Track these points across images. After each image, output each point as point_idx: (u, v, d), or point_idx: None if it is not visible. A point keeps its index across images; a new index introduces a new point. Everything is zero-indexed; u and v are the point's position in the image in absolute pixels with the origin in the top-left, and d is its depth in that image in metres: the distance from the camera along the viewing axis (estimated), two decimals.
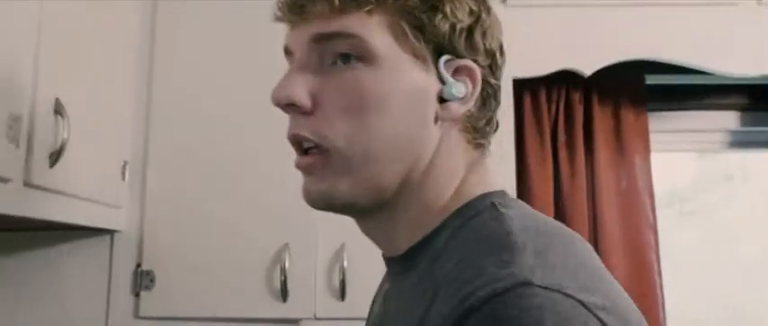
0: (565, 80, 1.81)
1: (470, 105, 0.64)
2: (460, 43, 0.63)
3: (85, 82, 1.30)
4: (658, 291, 1.79)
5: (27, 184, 1.09)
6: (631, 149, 1.83)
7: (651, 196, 1.84)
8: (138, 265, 1.52)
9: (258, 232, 1.50)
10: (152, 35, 1.61)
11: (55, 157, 1.15)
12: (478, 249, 0.56)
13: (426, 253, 0.62)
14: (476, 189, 0.65)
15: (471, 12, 0.64)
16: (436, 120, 0.63)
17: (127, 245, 1.53)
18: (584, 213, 1.80)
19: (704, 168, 2.17)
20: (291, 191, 1.48)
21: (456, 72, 0.63)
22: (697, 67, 1.70)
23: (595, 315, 0.49)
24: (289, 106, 0.62)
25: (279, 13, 0.65)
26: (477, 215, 0.61)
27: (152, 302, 1.50)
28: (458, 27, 0.62)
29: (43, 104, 1.13)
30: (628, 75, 1.84)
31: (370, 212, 0.64)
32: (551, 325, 0.47)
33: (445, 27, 0.62)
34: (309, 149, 0.63)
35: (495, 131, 0.69)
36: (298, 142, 0.64)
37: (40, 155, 1.12)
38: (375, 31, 0.60)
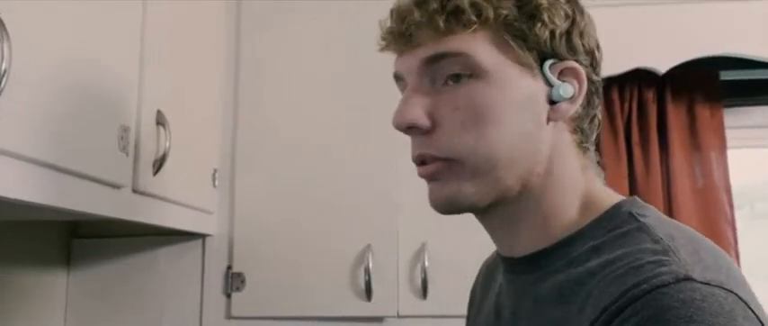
0: (637, 78, 1.80)
1: (579, 104, 0.67)
2: (561, 47, 0.66)
3: (180, 94, 1.38)
4: None
5: (135, 190, 1.17)
6: (707, 146, 1.81)
7: (728, 193, 1.81)
8: (229, 267, 1.58)
9: (341, 234, 1.54)
10: (237, 46, 1.67)
11: (158, 165, 1.23)
12: (630, 257, 0.57)
13: (560, 260, 0.64)
14: (606, 198, 0.67)
15: (567, 15, 0.66)
16: (548, 121, 0.66)
17: (218, 248, 1.60)
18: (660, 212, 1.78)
19: None
20: (374, 193, 1.57)
21: (562, 74, 0.66)
22: None
23: (753, 311, 0.52)
24: (410, 129, 0.66)
25: (384, 44, 0.70)
26: (619, 226, 0.62)
27: (243, 302, 1.56)
28: (557, 32, 0.65)
29: (147, 115, 1.21)
30: (702, 71, 1.82)
31: (494, 209, 0.67)
32: (711, 317, 0.49)
33: (545, 34, 0.64)
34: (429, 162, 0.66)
35: (599, 128, 0.71)
36: (422, 161, 0.67)
37: (146, 163, 1.20)
38: (481, 48, 0.63)
